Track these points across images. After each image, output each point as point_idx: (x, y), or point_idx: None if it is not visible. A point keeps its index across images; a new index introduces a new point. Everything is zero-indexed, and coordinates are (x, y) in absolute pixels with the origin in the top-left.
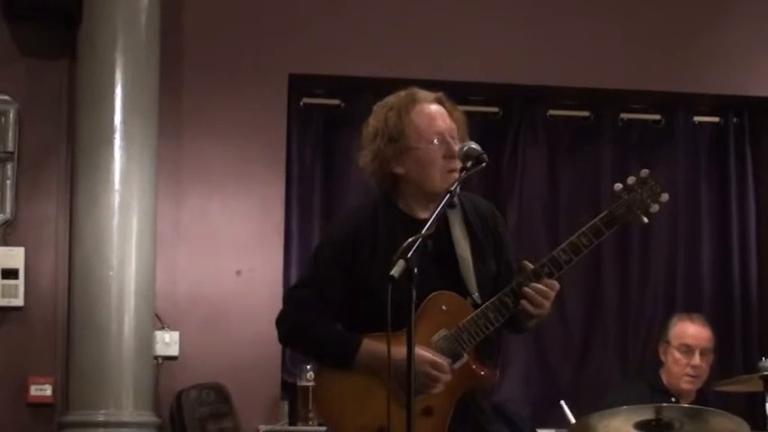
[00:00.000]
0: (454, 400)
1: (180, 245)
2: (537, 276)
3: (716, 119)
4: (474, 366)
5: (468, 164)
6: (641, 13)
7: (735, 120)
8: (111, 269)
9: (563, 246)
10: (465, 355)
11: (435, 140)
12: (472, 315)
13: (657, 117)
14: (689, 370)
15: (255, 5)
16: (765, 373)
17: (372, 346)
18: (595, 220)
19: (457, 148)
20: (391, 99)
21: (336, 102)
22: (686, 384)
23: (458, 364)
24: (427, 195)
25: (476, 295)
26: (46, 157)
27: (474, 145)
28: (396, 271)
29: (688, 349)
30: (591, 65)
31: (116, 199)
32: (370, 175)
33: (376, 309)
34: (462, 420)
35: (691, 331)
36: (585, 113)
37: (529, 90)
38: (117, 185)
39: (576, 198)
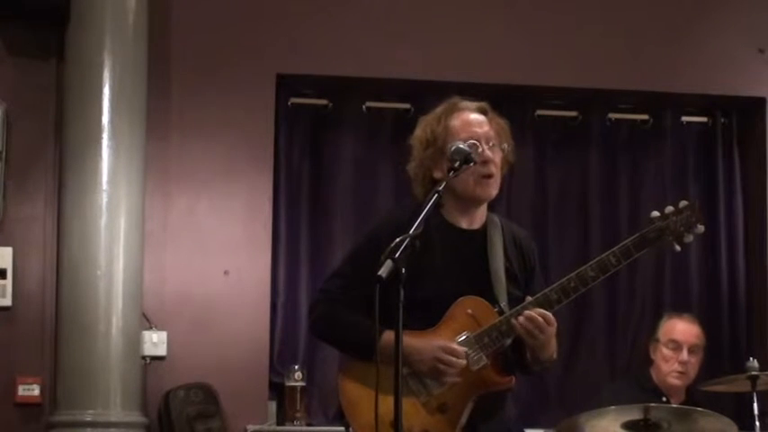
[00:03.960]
0: (469, 399)
1: (168, 245)
2: (564, 291)
3: (704, 119)
4: (492, 371)
5: (456, 164)
6: (629, 12)
7: (723, 120)
8: (99, 269)
9: (591, 263)
10: (485, 358)
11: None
12: (495, 321)
13: (645, 117)
14: (677, 366)
15: (243, 5)
16: (753, 373)
17: (391, 335)
18: (627, 241)
19: (492, 154)
20: (437, 108)
21: (324, 102)
22: (674, 380)
23: (476, 367)
24: (464, 201)
25: (503, 304)
26: (34, 157)
27: (462, 144)
28: (383, 271)
29: (676, 345)
30: (579, 65)
31: (104, 199)
32: (414, 183)
33: (407, 307)
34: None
35: (679, 328)
36: (573, 113)
37: (516, 90)
38: (105, 185)
39: (563, 198)
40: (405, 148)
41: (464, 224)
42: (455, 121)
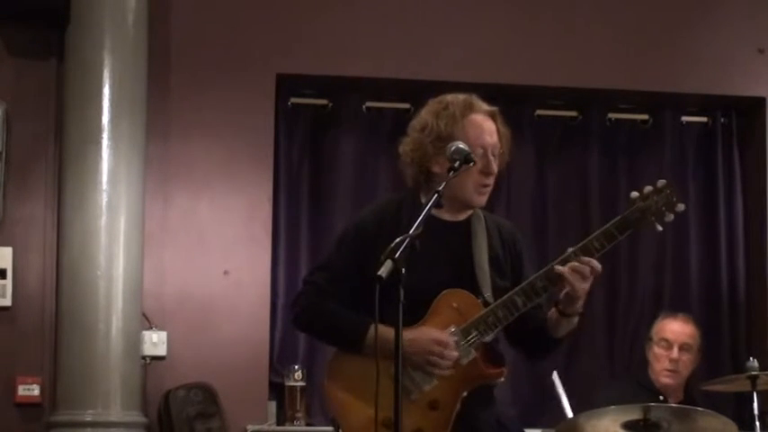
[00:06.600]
0: (460, 395)
1: (168, 245)
2: (550, 279)
3: (703, 119)
4: (482, 364)
5: (456, 164)
6: (629, 12)
7: (722, 120)
8: (99, 269)
9: (575, 248)
10: (473, 351)
11: (479, 153)
12: (481, 313)
13: (645, 117)
14: (667, 364)
15: (243, 5)
16: (753, 373)
17: (382, 329)
18: (608, 224)
19: (496, 167)
20: (449, 98)
21: (324, 102)
22: (665, 379)
23: (465, 360)
24: (456, 201)
25: (488, 295)
26: (34, 157)
27: (461, 145)
28: (383, 271)
29: (667, 344)
30: (579, 65)
31: (104, 199)
32: (406, 164)
33: (393, 300)
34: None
35: (670, 327)
36: (573, 113)
37: (516, 90)
38: (105, 185)
39: (563, 198)
40: None
41: (447, 216)
42: (468, 124)
